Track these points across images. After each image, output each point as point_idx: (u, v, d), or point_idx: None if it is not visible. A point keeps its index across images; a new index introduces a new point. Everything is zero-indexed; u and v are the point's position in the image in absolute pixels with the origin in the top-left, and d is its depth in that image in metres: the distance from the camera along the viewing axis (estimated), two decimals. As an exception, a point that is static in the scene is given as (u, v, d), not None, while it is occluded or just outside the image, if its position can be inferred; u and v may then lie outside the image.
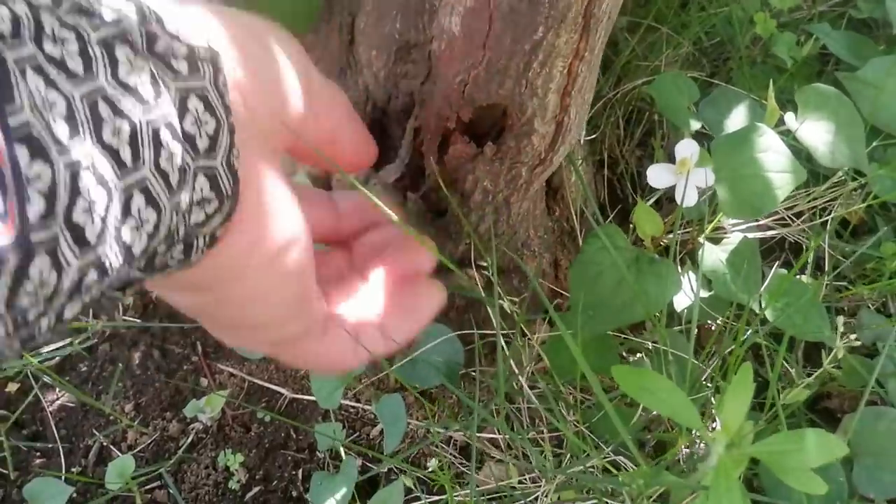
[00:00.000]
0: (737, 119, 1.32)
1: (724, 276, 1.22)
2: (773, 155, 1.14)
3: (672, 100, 1.39)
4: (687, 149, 1.11)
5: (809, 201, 1.36)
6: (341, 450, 1.26)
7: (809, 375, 1.28)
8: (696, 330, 1.42)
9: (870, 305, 1.43)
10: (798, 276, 1.36)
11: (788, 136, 1.25)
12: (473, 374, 1.34)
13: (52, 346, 1.34)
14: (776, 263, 1.49)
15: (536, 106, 0.96)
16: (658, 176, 1.12)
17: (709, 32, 1.65)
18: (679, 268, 1.27)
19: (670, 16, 1.60)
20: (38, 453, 1.29)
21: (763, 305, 1.20)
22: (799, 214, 1.42)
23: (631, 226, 1.53)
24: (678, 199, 1.11)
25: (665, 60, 1.55)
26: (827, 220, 1.37)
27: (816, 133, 1.23)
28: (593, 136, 1.52)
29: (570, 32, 0.88)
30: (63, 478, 1.25)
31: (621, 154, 1.63)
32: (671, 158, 1.54)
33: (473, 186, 1.11)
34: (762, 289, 1.24)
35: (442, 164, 1.12)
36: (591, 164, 1.52)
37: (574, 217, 1.46)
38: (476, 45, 0.92)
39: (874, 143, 1.38)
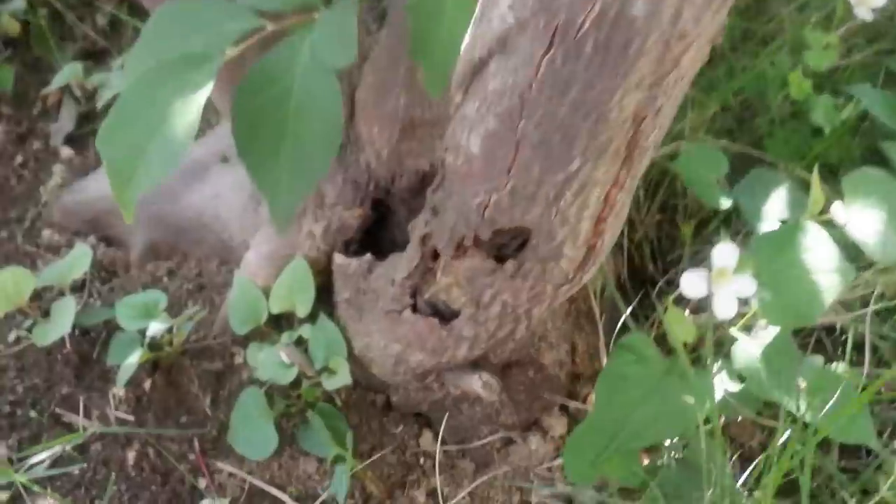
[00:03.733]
0: (776, 206, 1.22)
1: (757, 372, 1.11)
2: (819, 254, 1.05)
3: (700, 175, 1.30)
4: (725, 256, 1.01)
5: (851, 289, 1.26)
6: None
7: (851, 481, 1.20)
8: (726, 424, 1.33)
9: (920, 397, 1.33)
10: (833, 366, 1.26)
11: (830, 227, 1.15)
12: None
13: (42, 449, 1.24)
14: (808, 347, 1.40)
15: (567, 233, 0.87)
16: (692, 285, 1.02)
17: (737, 93, 1.55)
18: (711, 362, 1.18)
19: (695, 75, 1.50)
20: (29, 575, 1.20)
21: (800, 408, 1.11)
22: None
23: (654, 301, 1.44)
24: (715, 310, 1.02)
25: (690, 124, 1.45)
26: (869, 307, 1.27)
27: (866, 225, 1.12)
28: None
29: (611, 163, 0.78)
30: None
31: (641, 220, 1.53)
32: (697, 234, 1.45)
33: (491, 299, 1.01)
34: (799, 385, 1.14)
35: (455, 272, 1.03)
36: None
37: (592, 297, 1.36)
38: (498, 169, 0.82)
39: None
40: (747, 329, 1.18)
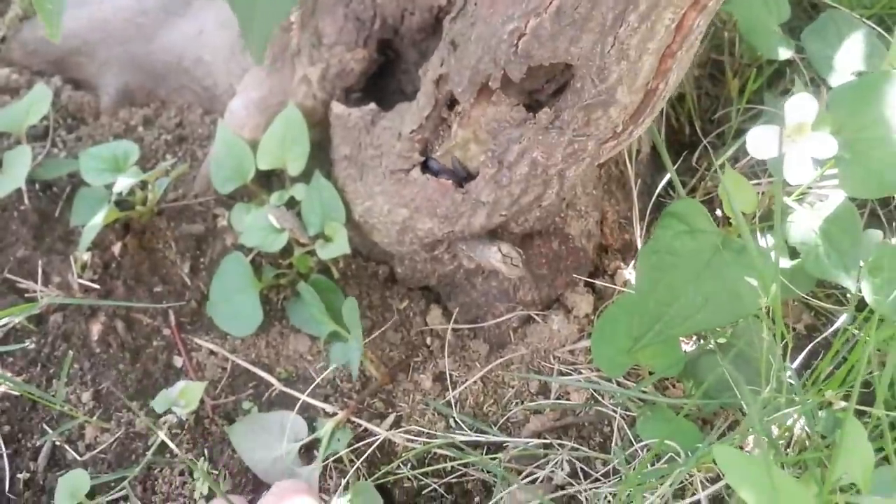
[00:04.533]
0: (850, 54, 1.07)
1: (815, 248, 0.99)
2: (907, 112, 0.89)
3: (759, 21, 1.14)
4: (804, 109, 0.84)
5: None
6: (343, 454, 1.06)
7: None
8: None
9: None
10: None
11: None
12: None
13: (-8, 320, 1.10)
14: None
15: (624, 71, 0.70)
16: (761, 144, 0.85)
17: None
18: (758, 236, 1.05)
19: None
20: (-22, 455, 1.07)
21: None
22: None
23: (696, 168, 1.30)
24: (787, 175, 0.85)
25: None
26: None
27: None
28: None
29: (696, -30, 0.60)
30: (7, 487, 1.03)
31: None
32: (742, 91, 1.28)
33: (518, 157, 0.85)
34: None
35: (475, 123, 0.86)
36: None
37: (626, 159, 1.20)
38: (541, -17, 0.64)
39: None
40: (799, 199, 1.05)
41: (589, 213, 1.14)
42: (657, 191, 1.20)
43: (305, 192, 1.14)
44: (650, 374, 1.04)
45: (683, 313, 0.91)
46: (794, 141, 0.85)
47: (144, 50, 1.32)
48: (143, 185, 1.17)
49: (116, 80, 1.33)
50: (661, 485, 0.91)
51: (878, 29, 1.16)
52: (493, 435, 1.08)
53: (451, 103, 0.90)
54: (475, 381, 1.13)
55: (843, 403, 0.92)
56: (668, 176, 1.16)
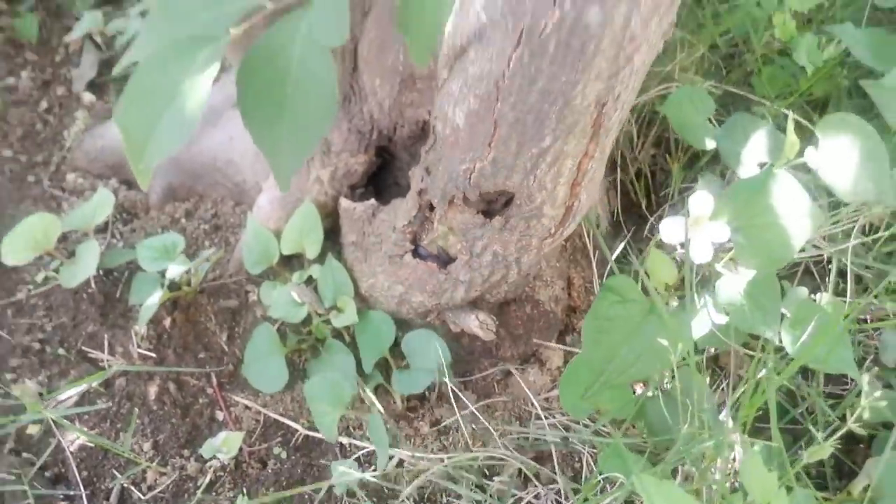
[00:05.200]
0: (755, 149, 1.27)
1: (741, 308, 1.18)
2: (790, 201, 1.11)
3: (688, 118, 1.34)
4: (701, 204, 1.08)
5: (833, 224, 1.32)
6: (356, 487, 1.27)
7: (833, 407, 1.27)
8: (716, 356, 1.40)
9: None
10: (819, 296, 1.32)
11: (806, 170, 1.20)
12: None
13: (70, 386, 1.34)
14: (796, 277, 1.46)
15: (546, 196, 0.94)
16: (671, 231, 1.08)
17: (724, 33, 1.59)
18: (696, 299, 1.24)
19: (684, 15, 1.54)
20: (62, 496, 1.29)
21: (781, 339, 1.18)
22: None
23: (650, 237, 1.50)
24: (692, 255, 1.08)
25: (679, 65, 1.49)
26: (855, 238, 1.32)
27: (838, 168, 1.18)
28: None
29: (580, 139, 0.85)
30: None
31: (635, 155, 1.59)
32: (691, 167, 1.50)
33: (483, 249, 1.09)
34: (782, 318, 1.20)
35: (450, 222, 1.10)
36: (603, 172, 1.49)
37: (586, 234, 1.43)
38: (481, 142, 0.89)
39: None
40: (735, 263, 1.23)
41: (554, 281, 1.37)
42: (613, 257, 1.42)
43: (321, 272, 1.35)
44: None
45: (621, 367, 1.11)
46: (695, 229, 1.08)
47: (186, 154, 1.56)
48: (188, 269, 1.41)
49: (163, 180, 1.58)
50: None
51: (796, 116, 1.37)
52: (484, 460, 1.28)
53: (432, 207, 1.13)
54: (466, 427, 1.34)
55: (742, 437, 1.13)
56: (612, 258, 1.38)
